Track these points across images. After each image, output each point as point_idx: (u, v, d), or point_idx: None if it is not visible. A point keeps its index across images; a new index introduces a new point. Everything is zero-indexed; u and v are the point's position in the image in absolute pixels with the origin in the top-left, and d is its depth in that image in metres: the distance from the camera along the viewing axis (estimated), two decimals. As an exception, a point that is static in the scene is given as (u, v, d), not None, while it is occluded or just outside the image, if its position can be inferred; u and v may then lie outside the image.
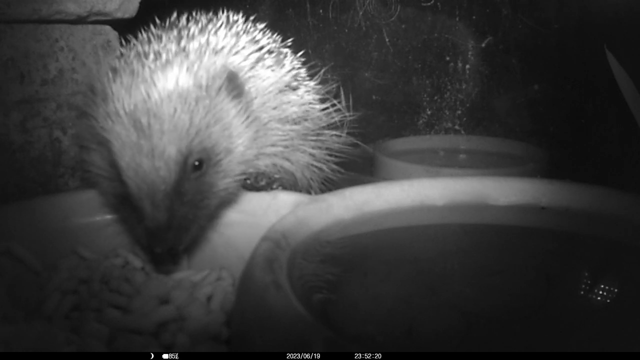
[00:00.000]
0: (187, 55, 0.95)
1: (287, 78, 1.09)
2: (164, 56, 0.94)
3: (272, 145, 1.03)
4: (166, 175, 0.87)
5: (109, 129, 0.90)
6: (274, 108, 1.03)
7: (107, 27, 1.28)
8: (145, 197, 0.87)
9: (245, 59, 1.02)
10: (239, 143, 0.96)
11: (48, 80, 1.21)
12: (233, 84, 0.96)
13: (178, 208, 0.88)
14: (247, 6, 1.76)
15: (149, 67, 0.92)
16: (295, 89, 1.10)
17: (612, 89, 1.28)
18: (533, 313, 0.77)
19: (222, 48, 1.01)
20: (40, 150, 1.21)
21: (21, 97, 1.18)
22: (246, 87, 0.99)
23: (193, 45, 0.98)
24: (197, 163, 0.91)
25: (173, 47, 0.97)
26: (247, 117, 0.97)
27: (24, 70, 1.18)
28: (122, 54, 1.02)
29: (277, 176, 1.06)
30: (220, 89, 0.94)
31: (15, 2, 1.12)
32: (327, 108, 1.13)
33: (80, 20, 1.22)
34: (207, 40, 1.01)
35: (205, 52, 0.97)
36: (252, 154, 0.99)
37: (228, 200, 1.00)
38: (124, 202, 0.94)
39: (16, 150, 1.18)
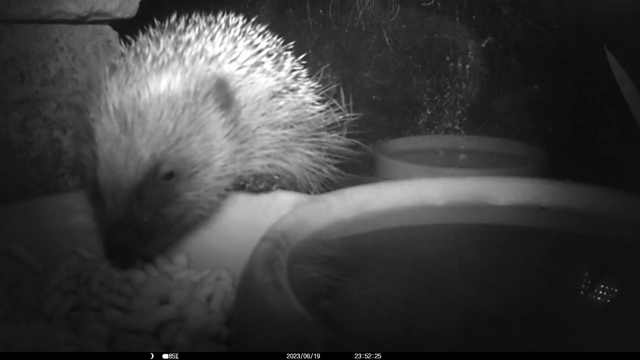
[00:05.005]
0: (182, 61, 0.96)
1: (286, 80, 1.09)
2: (160, 60, 0.95)
3: (263, 149, 1.03)
4: (132, 175, 0.88)
5: (96, 120, 0.91)
6: (263, 114, 1.02)
7: (107, 27, 1.28)
8: (108, 191, 0.89)
9: (240, 67, 1.02)
10: (218, 157, 0.95)
11: (48, 80, 1.21)
12: (221, 92, 0.96)
13: (136, 209, 0.89)
14: (247, 6, 1.76)
15: (145, 68, 0.93)
16: (294, 90, 1.10)
17: (612, 89, 1.28)
18: (533, 313, 0.77)
19: (218, 54, 1.01)
20: (40, 150, 1.21)
21: (21, 97, 1.18)
22: (236, 96, 0.98)
23: (189, 52, 0.98)
24: (169, 171, 0.91)
25: (170, 52, 0.98)
26: (233, 128, 0.97)
27: (24, 70, 1.18)
28: (122, 54, 1.02)
29: (276, 177, 1.06)
30: (207, 96, 0.94)
31: (15, 2, 1.12)
32: (327, 109, 1.13)
33: (80, 20, 1.22)
34: (204, 46, 1.01)
35: (200, 59, 0.97)
36: (234, 166, 0.98)
37: (201, 214, 0.99)
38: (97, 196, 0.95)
39: (16, 150, 1.18)
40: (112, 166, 0.89)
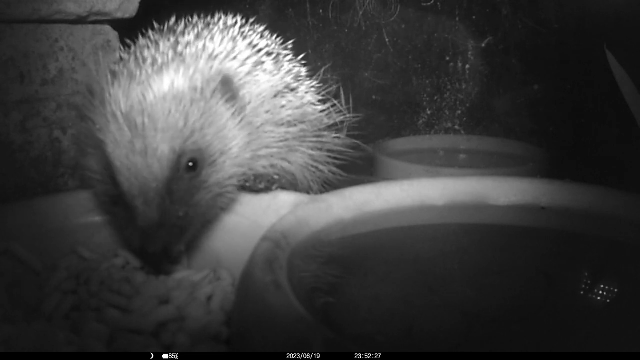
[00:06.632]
0: (183, 60, 0.96)
1: (287, 79, 1.09)
2: (160, 61, 0.96)
3: (267, 147, 1.03)
4: (158, 173, 0.88)
5: (104, 130, 0.91)
6: (267, 112, 1.03)
7: (107, 27, 1.28)
8: (138, 196, 0.88)
9: (242, 65, 1.02)
10: (233, 145, 0.97)
11: (48, 80, 1.21)
12: (227, 87, 0.97)
13: (169, 206, 0.89)
14: (247, 7, 1.76)
15: (146, 71, 0.93)
16: (294, 89, 1.10)
17: (612, 89, 1.28)
18: (533, 313, 0.77)
19: (220, 54, 1.01)
20: (40, 150, 1.21)
21: (21, 97, 1.18)
22: (240, 93, 0.99)
23: (190, 51, 0.99)
24: (191, 164, 0.91)
25: (170, 52, 0.98)
26: (241, 121, 0.98)
27: (24, 70, 1.18)
28: (121, 59, 1.02)
29: (276, 177, 1.06)
30: (214, 92, 0.95)
31: (15, 2, 1.12)
32: (327, 109, 1.13)
33: (80, 20, 1.22)
34: (204, 45, 1.01)
35: (201, 57, 0.98)
36: (246, 156, 1.00)
37: (223, 202, 1.00)
38: (118, 205, 0.95)
39: (16, 150, 1.18)
40: (134, 171, 0.88)
